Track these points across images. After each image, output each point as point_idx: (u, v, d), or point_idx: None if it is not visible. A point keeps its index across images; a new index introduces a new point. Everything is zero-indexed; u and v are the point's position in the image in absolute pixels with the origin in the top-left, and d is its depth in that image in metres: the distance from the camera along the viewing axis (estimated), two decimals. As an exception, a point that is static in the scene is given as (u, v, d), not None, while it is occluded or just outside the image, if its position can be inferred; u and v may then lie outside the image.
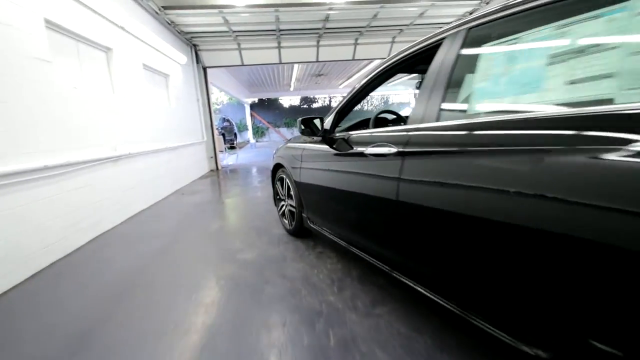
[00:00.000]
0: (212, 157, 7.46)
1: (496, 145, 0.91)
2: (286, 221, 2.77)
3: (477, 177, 0.94)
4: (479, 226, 0.94)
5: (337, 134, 1.95)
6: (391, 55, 1.60)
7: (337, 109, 1.98)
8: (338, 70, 12.65)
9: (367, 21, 6.26)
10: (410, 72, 1.98)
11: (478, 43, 1.13)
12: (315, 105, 21.25)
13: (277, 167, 2.78)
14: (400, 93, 20.17)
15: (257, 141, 19.82)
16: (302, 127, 2.01)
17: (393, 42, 7.71)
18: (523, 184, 0.81)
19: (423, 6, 5.69)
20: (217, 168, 7.56)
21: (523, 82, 0.95)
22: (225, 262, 2.30)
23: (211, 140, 7.43)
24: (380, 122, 2.24)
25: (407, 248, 1.32)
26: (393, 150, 1.32)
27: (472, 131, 1.01)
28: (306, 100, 21.08)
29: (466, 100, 1.12)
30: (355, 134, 1.78)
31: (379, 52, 7.94)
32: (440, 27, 1.48)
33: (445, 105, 1.18)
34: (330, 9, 5.37)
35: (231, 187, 5.43)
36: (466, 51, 1.16)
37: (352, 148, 1.72)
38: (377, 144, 1.45)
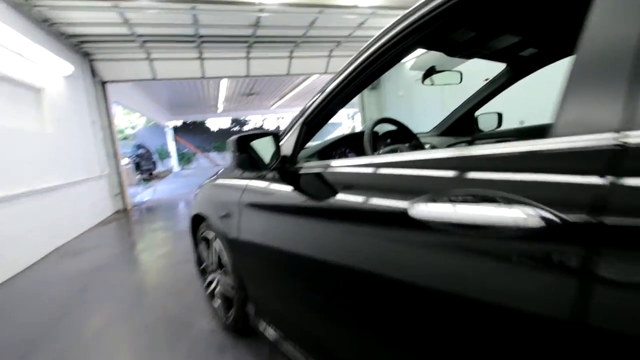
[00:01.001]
0: (117, 194, 5.84)
1: None
2: (218, 306, 1.67)
3: None
4: None
5: (306, 165, 1.02)
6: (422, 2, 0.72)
7: (304, 118, 1.05)
8: (270, 88, 11.83)
9: (304, 29, 5.55)
10: (428, 47, 1.14)
11: None
12: (247, 127, 20.05)
13: (199, 219, 1.69)
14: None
15: (183, 169, 17.71)
16: (240, 154, 1.02)
17: (330, 56, 7.16)
18: None
19: (364, 14, 5.19)
20: (127, 208, 5.94)
21: None
22: None
23: (116, 173, 5.83)
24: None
25: None
26: (557, 219, 0.42)
27: None
28: (237, 122, 19.78)
29: None
30: (349, 166, 0.87)
31: (315, 67, 7.31)
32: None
33: None
34: (261, 10, 4.51)
35: (141, 236, 4.03)
36: None
37: (336, 192, 0.81)
38: (461, 198, 0.53)
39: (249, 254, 1.26)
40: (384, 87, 8.14)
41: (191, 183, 9.86)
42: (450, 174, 0.57)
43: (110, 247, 3.66)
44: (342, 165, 0.91)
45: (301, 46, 6.43)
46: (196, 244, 1.84)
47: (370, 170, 0.79)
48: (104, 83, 5.83)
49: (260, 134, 1.03)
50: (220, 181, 1.56)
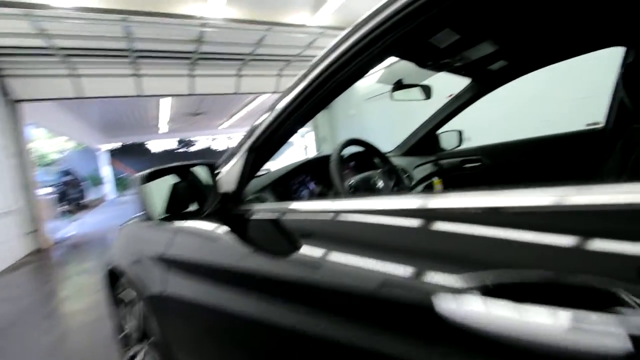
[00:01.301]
0: (32, 232, 4.92)
1: None
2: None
3: None
4: None
5: (256, 208, 0.76)
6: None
7: (251, 142, 0.78)
8: (219, 108, 11.33)
9: (252, 47, 5.34)
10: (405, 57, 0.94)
11: None
12: (194, 149, 19.05)
13: (115, 275, 1.30)
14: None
15: (119, 195, 16.08)
16: (158, 197, 0.71)
17: (280, 75, 7.01)
18: None
19: (313, 34, 5.14)
20: (42, 247, 5.01)
21: None
22: None
23: (29, 207, 4.92)
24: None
25: None
26: None
27: None
28: (184, 142, 18.71)
29: None
30: (320, 212, 0.63)
31: (265, 86, 7.10)
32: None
33: None
34: (204, 25, 4.21)
35: (58, 282, 3.34)
36: None
37: (302, 252, 0.57)
38: (545, 293, 0.28)
39: (182, 324, 0.92)
40: (335, 105, 8.16)
41: (126, 213, 8.87)
42: (511, 235, 0.34)
43: (12, 301, 2.93)
44: (308, 210, 0.65)
45: (250, 64, 6.20)
46: (114, 302, 1.42)
47: (354, 218, 0.54)
48: (16, 102, 5.00)
49: (187, 165, 0.73)
50: (144, 225, 1.20)
